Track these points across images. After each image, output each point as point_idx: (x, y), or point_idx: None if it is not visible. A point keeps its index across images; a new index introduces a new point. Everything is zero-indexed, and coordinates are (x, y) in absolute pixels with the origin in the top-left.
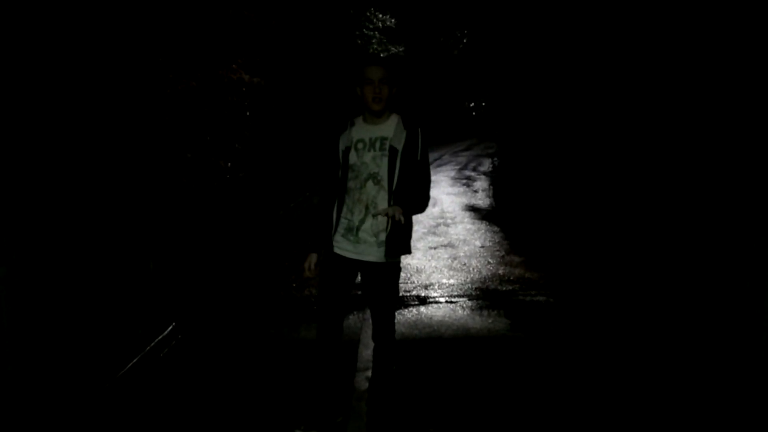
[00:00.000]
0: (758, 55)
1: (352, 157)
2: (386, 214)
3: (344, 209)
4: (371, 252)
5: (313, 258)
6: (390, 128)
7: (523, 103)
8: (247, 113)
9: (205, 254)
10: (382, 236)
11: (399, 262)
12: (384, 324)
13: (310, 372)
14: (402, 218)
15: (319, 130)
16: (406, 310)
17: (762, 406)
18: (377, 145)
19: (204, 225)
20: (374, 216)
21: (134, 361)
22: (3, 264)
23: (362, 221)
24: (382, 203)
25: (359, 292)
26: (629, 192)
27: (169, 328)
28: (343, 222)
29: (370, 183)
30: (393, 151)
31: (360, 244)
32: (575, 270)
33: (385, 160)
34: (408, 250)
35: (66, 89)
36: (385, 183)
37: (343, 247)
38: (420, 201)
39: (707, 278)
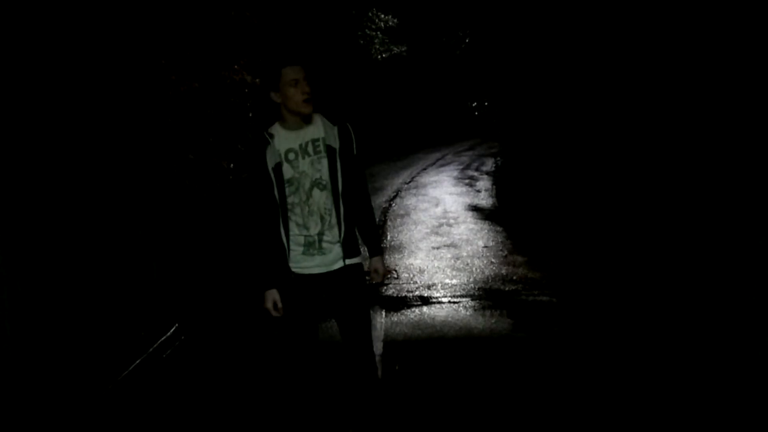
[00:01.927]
0: (758, 55)
1: (287, 171)
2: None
3: (293, 227)
4: (339, 258)
5: (275, 295)
6: (317, 128)
7: (526, 102)
8: (250, 114)
9: (209, 255)
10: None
11: (363, 266)
12: (362, 341)
13: (307, 381)
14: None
15: (240, 154)
16: (409, 311)
17: (762, 406)
18: (310, 148)
19: (207, 226)
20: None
21: (137, 362)
22: (3, 265)
23: (321, 232)
24: (333, 208)
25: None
26: (632, 191)
27: (172, 329)
28: (299, 240)
29: (316, 191)
30: (331, 150)
31: (327, 255)
32: (578, 270)
33: (325, 162)
34: (360, 253)
35: (70, 91)
36: (329, 186)
37: (307, 265)
38: (370, 208)
39: (708, 277)
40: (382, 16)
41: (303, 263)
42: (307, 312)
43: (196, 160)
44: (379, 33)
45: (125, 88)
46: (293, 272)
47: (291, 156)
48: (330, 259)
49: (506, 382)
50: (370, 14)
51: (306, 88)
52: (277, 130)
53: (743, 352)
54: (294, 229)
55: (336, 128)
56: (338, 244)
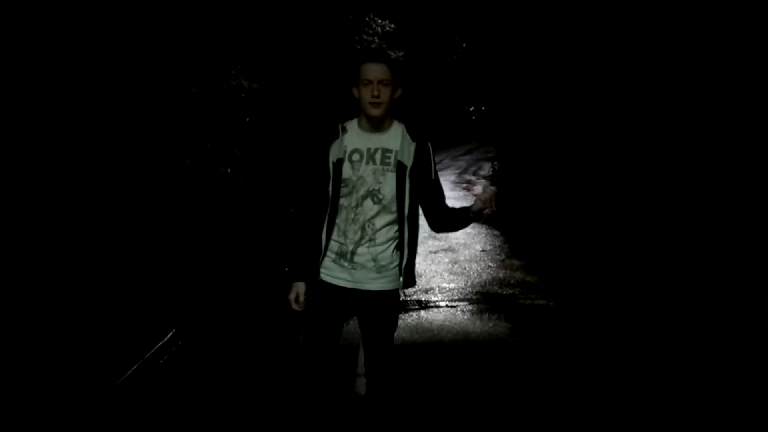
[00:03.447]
0: (758, 55)
1: (346, 171)
2: (488, 200)
3: (335, 230)
4: (370, 279)
5: (301, 288)
6: (394, 139)
7: (522, 107)
8: (247, 119)
9: (206, 260)
10: (383, 260)
11: (398, 293)
12: (383, 359)
13: (307, 388)
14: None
15: (306, 137)
16: (407, 315)
17: (762, 406)
18: (378, 157)
19: (204, 231)
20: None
21: (134, 368)
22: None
23: (358, 244)
24: (381, 225)
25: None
26: (628, 195)
27: (169, 334)
28: (334, 245)
29: (368, 201)
30: (401, 167)
31: (356, 271)
32: (575, 273)
33: (391, 177)
34: (414, 281)
35: (67, 95)
36: (387, 203)
37: (335, 274)
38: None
39: (706, 280)
40: (380, 21)
41: (333, 272)
42: (330, 321)
43: (193, 165)
44: (376, 38)
45: (121, 93)
46: (322, 279)
47: (355, 157)
48: (360, 276)
49: (504, 385)
50: (367, 19)
51: (376, 91)
52: (352, 126)
53: (741, 353)
54: (335, 232)
55: (414, 144)
56: (373, 264)
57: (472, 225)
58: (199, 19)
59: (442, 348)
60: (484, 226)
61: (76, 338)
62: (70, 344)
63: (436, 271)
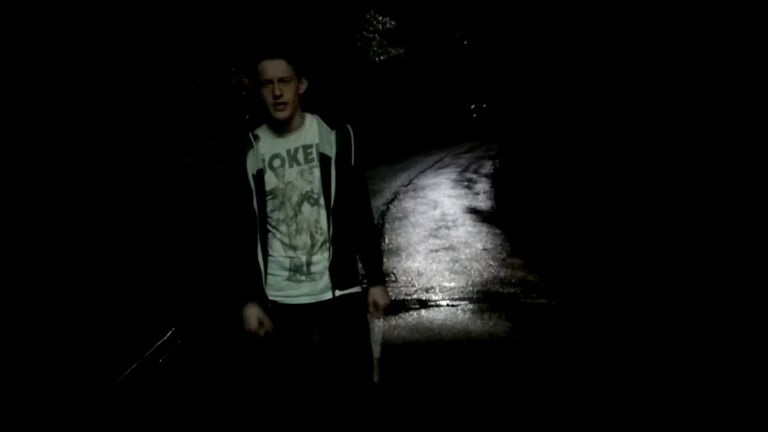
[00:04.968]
0: (758, 54)
1: (270, 180)
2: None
3: (277, 247)
4: (330, 287)
5: (257, 310)
6: (311, 132)
7: (524, 104)
8: (247, 116)
9: (205, 258)
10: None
11: (362, 295)
12: (362, 367)
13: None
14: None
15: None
16: (407, 314)
17: (762, 406)
18: (301, 155)
19: (204, 229)
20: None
21: (133, 366)
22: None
23: (311, 253)
24: (327, 225)
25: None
26: (630, 193)
27: (169, 333)
28: (283, 262)
29: (306, 206)
30: (325, 159)
31: (317, 282)
32: (577, 272)
33: (317, 173)
34: (359, 282)
35: (67, 94)
36: (322, 200)
37: (293, 293)
38: (371, 228)
39: (707, 280)
40: (380, 18)
41: (288, 291)
42: (298, 346)
43: (192, 163)
44: (376, 35)
45: (121, 91)
46: (274, 301)
47: (276, 163)
48: (320, 287)
49: (504, 385)
50: (368, 16)
51: (278, 90)
52: (264, 131)
53: (743, 353)
54: (279, 250)
55: (333, 132)
56: (328, 270)
57: (473, 224)
58: (198, 17)
59: (442, 347)
60: (485, 224)
61: (76, 337)
62: (69, 343)
63: (436, 270)
